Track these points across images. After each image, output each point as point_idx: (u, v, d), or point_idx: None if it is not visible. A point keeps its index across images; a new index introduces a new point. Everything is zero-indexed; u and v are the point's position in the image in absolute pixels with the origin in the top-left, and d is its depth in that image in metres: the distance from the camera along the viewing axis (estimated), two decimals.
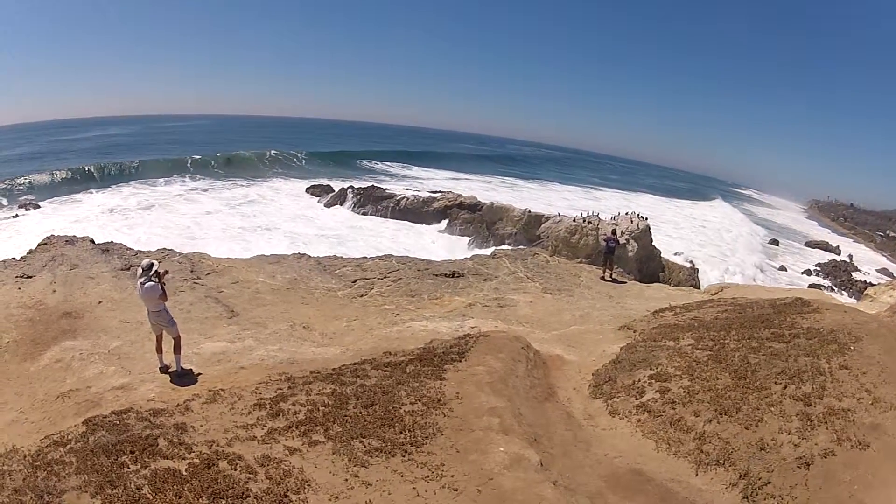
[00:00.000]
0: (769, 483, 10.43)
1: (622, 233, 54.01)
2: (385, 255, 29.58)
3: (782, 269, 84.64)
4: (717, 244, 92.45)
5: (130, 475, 8.86)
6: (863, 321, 15.74)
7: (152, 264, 14.30)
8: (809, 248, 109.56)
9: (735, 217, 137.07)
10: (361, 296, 23.16)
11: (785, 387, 12.67)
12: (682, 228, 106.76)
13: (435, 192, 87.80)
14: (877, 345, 13.81)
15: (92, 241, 25.82)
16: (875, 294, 32.87)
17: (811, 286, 66.75)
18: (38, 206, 71.49)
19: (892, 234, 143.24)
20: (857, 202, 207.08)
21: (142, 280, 14.09)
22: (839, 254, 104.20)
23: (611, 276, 29.94)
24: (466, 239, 70.27)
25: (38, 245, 25.09)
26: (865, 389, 12.15)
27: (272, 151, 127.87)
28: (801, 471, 10.43)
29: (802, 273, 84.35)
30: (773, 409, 12.09)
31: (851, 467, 10.26)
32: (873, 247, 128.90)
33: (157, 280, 14.19)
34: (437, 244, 67.75)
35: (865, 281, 77.38)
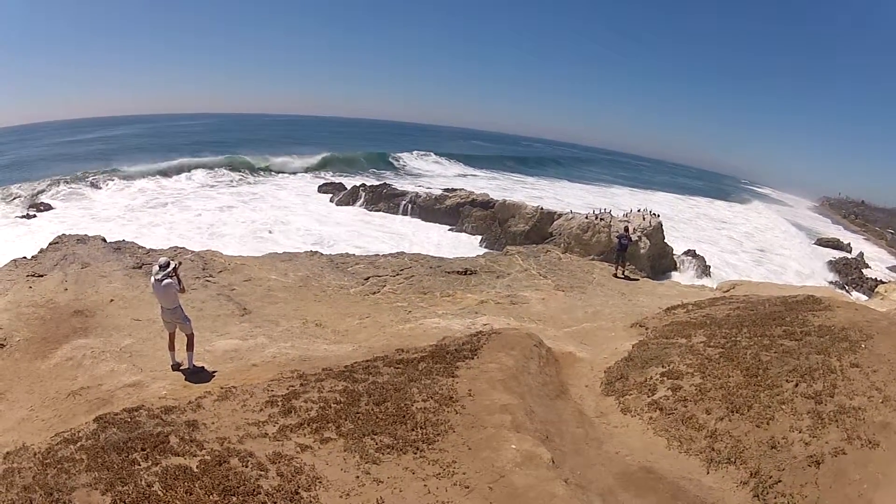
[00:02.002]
0: (780, 482, 10.41)
1: (634, 230, 53.98)
2: (397, 253, 29.65)
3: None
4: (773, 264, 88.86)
5: (141, 472, 8.88)
6: (874, 319, 15.68)
7: (169, 262, 14.35)
8: (820, 246, 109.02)
9: (786, 229, 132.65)
10: (374, 293, 23.20)
11: (796, 385, 12.63)
12: (704, 229, 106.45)
13: (447, 189, 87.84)
14: (888, 343, 13.75)
15: (103, 240, 25.90)
16: (886, 292, 32.80)
17: (823, 283, 66.46)
18: (52, 207, 71.68)
19: None
20: (868, 199, 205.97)
21: (159, 277, 14.14)
22: (850, 251, 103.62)
23: (623, 274, 29.92)
24: (479, 236, 70.27)
25: (50, 244, 25.15)
26: (876, 388, 12.09)
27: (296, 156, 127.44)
28: (811, 469, 10.40)
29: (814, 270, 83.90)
30: (784, 407, 12.06)
31: (861, 466, 10.23)
32: (884, 244, 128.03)
33: (174, 277, 14.25)
34: (450, 241, 67.73)
35: (876, 279, 76.92)
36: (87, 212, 71.36)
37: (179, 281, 14.48)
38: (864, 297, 51.04)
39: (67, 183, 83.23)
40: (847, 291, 64.35)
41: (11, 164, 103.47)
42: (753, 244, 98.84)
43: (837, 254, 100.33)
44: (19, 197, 72.95)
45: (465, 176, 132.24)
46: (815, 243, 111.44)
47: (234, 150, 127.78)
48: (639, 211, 68.02)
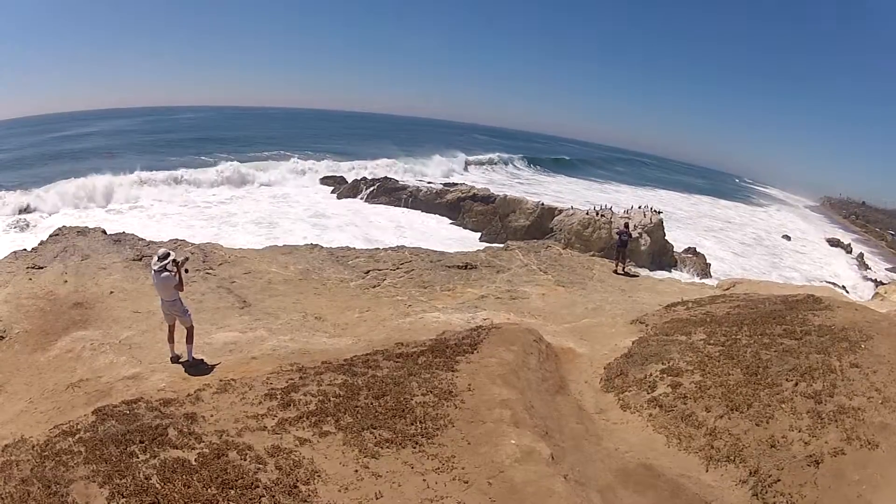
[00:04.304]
0: (779, 481, 10.42)
1: (635, 227, 53.99)
2: (398, 247, 29.58)
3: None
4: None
5: (139, 465, 8.89)
6: (874, 319, 15.70)
7: (168, 253, 14.27)
8: (821, 245, 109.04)
9: (803, 230, 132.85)
10: (374, 287, 23.17)
11: (796, 384, 12.65)
12: (709, 228, 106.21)
13: (447, 184, 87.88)
14: (887, 343, 13.77)
15: (104, 232, 25.84)
16: (886, 293, 32.78)
17: (823, 283, 66.41)
18: (54, 200, 71.16)
19: None
20: (869, 200, 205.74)
21: (157, 268, 14.08)
22: (850, 251, 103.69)
23: (623, 270, 29.89)
24: (479, 231, 70.20)
25: (50, 236, 25.06)
26: (875, 388, 12.11)
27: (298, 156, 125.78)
28: (810, 469, 10.42)
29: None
30: (783, 406, 12.08)
31: (860, 467, 10.25)
32: (884, 245, 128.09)
33: (173, 270, 14.19)
34: (450, 235, 67.69)
35: (876, 279, 76.97)
36: (95, 206, 71.17)
37: (181, 279, 14.42)
38: (865, 298, 51.09)
39: (74, 178, 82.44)
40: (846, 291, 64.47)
41: (16, 159, 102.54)
42: (764, 247, 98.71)
43: (839, 253, 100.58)
44: (24, 195, 71.93)
45: (466, 173, 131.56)
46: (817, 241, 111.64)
47: (238, 146, 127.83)
48: (640, 208, 68.05)
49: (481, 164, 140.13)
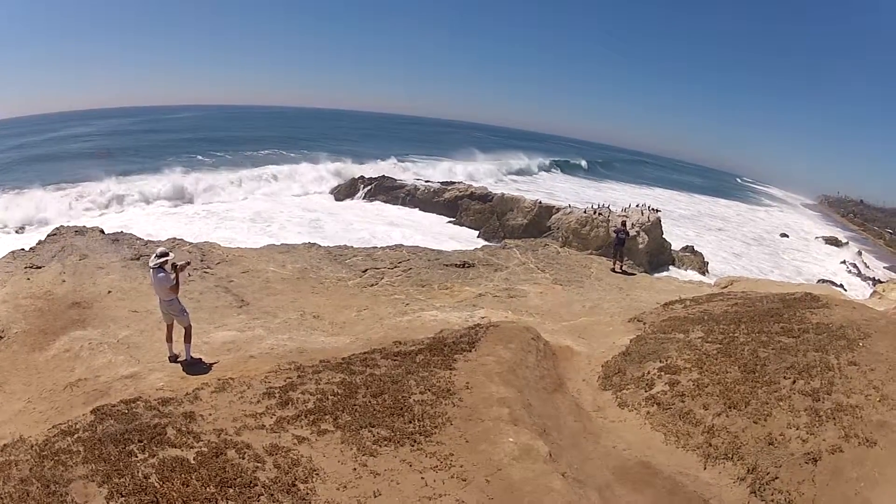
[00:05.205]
0: (777, 478, 10.42)
1: (633, 225, 53.97)
2: (396, 245, 29.54)
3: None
4: None
5: (138, 464, 8.88)
6: (872, 317, 15.70)
7: (166, 253, 14.24)
8: (819, 243, 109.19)
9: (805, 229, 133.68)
10: (372, 285, 23.15)
11: (794, 382, 12.64)
12: (708, 228, 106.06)
13: (445, 182, 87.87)
14: (885, 341, 13.76)
15: (101, 231, 25.76)
16: (884, 291, 32.75)
17: (820, 281, 66.42)
18: (52, 202, 70.94)
19: None
20: (867, 198, 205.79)
21: (153, 266, 14.07)
22: (849, 250, 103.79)
23: (621, 268, 29.85)
24: (477, 229, 70.19)
25: (48, 235, 24.96)
26: (873, 386, 12.11)
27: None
28: (808, 466, 10.42)
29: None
30: (781, 403, 12.07)
31: (858, 464, 10.25)
32: (882, 243, 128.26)
33: (171, 271, 14.17)
34: (448, 234, 67.67)
35: (874, 278, 77.00)
36: (94, 206, 71.05)
37: (178, 281, 14.40)
38: (863, 296, 51.12)
39: (74, 177, 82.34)
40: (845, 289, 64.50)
41: (13, 160, 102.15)
42: (762, 245, 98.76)
43: (837, 251, 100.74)
44: (29, 195, 71.62)
45: (463, 171, 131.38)
46: (814, 240, 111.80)
47: (236, 145, 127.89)
48: (637, 206, 68.11)
49: (501, 171, 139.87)
